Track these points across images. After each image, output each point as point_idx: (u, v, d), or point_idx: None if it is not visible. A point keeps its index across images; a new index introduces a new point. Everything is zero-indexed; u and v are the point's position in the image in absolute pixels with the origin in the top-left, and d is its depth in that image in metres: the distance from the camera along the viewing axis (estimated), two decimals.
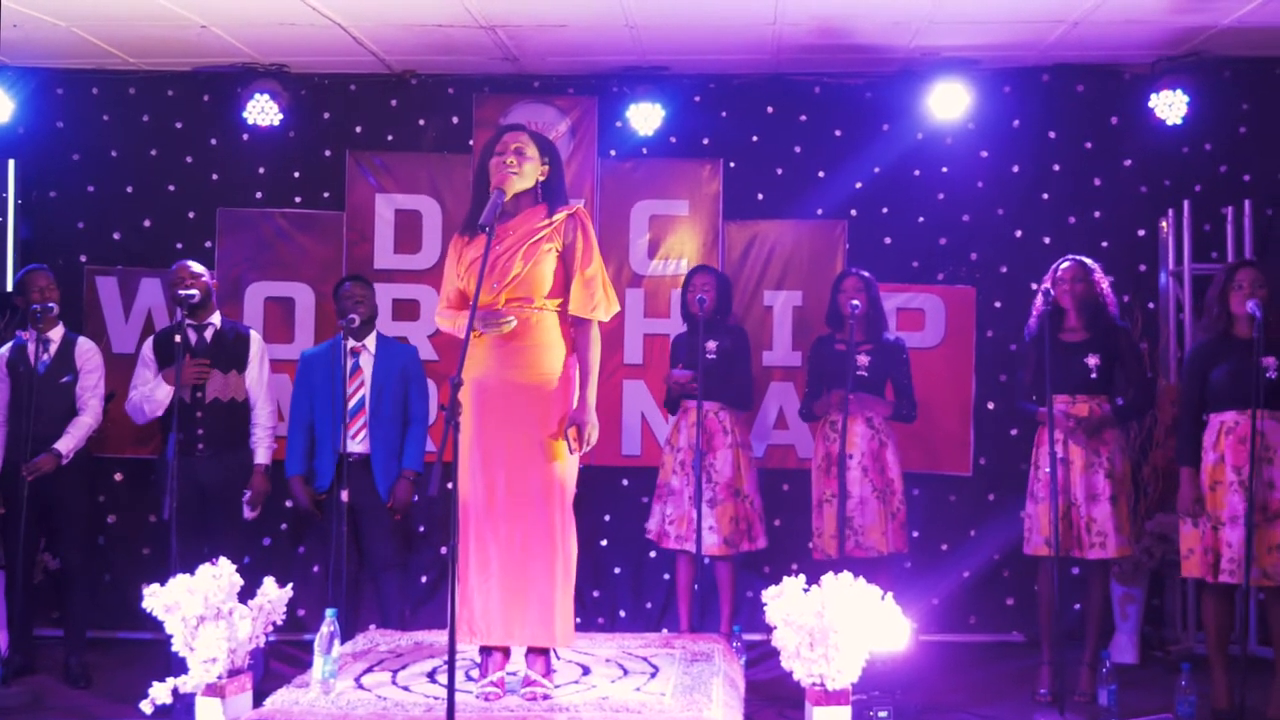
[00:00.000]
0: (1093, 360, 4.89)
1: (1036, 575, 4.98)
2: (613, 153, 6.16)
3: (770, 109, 6.14)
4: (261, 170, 6.18)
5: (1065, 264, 4.97)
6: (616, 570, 6.09)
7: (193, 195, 6.16)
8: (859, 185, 6.08)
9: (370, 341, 5.23)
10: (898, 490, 5.30)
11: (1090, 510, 4.82)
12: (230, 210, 6.15)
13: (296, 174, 6.19)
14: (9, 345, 5.27)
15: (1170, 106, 5.73)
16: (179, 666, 3.68)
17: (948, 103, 5.82)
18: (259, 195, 6.18)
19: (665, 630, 5.74)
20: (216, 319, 5.25)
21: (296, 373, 5.34)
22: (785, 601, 3.63)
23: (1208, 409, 4.67)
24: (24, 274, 5.28)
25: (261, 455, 5.23)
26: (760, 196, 6.15)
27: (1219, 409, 4.61)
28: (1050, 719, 4.46)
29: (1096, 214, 6.04)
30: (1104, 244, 5.97)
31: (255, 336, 5.33)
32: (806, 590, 3.65)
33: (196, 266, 5.22)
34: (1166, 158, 6.00)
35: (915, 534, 5.45)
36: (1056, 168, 6.06)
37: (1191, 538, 4.62)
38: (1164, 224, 5.97)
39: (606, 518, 6.09)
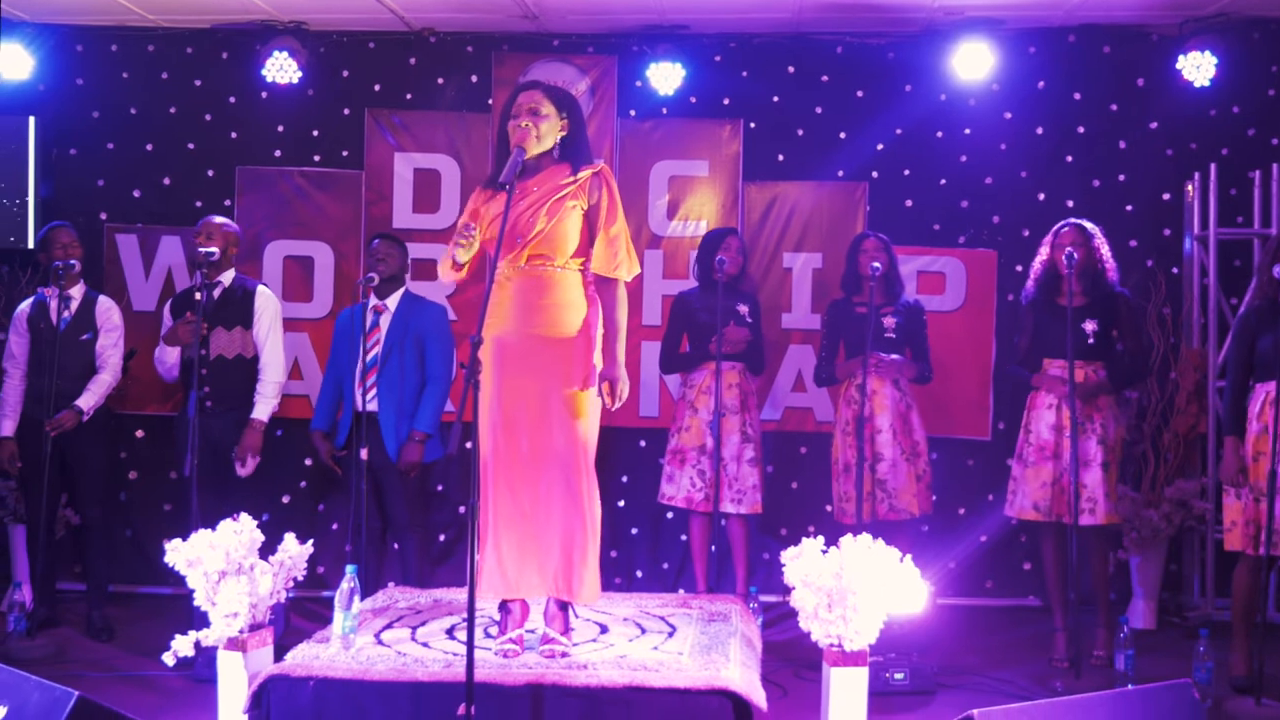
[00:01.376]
0: (1090, 325, 4.85)
1: (1038, 542, 4.95)
2: (632, 113, 6.12)
3: (791, 69, 6.07)
4: (280, 128, 6.16)
5: (1064, 228, 4.92)
6: (634, 531, 6.11)
7: (212, 153, 6.16)
8: (880, 147, 6.02)
9: (393, 300, 5.18)
10: (923, 452, 5.30)
11: (1081, 476, 4.79)
12: (249, 168, 6.15)
13: (315, 132, 6.17)
14: (30, 301, 5.29)
15: (1198, 68, 5.65)
16: (200, 620, 3.71)
17: (972, 63, 5.75)
18: (278, 153, 6.17)
19: (682, 590, 5.76)
20: (227, 277, 5.20)
21: (334, 329, 5.34)
22: (804, 562, 3.63)
23: (1254, 377, 4.57)
24: (46, 230, 5.29)
25: (260, 411, 5.13)
26: (781, 157, 6.10)
27: (1264, 379, 4.50)
28: (1067, 683, 4.46)
29: (1121, 177, 5.98)
30: (1128, 208, 5.92)
31: (263, 291, 5.25)
32: (825, 552, 3.65)
33: (219, 219, 5.20)
34: (1193, 120, 5.92)
35: (934, 498, 5.44)
36: (1081, 130, 5.99)
37: (1234, 510, 4.55)
38: (1190, 188, 5.90)
39: (624, 479, 6.10)
